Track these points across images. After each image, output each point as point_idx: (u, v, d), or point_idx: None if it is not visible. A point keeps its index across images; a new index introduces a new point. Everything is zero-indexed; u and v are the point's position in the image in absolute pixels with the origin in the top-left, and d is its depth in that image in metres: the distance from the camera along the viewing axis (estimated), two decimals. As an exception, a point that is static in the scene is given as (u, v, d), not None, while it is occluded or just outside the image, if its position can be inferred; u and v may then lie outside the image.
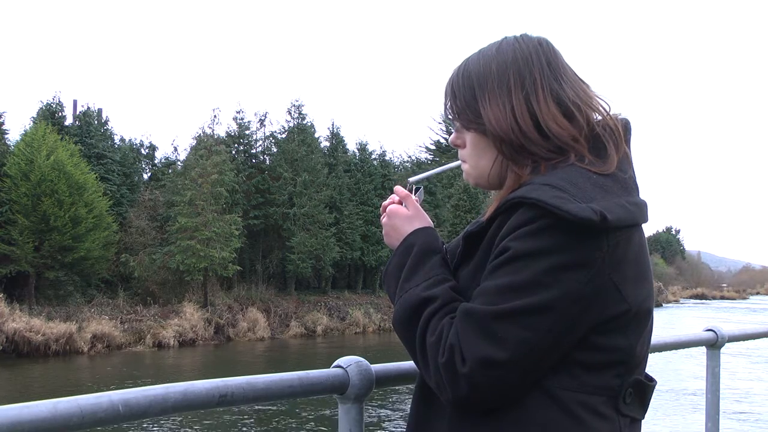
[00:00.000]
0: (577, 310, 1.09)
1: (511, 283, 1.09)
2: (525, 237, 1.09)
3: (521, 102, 1.22)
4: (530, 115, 1.21)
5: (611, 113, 1.26)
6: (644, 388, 1.21)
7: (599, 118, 1.24)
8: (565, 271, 1.08)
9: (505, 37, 1.29)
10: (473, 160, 1.30)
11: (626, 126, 1.27)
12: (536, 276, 1.08)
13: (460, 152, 1.33)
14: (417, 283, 1.23)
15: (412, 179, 1.49)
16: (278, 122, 50.02)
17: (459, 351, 1.10)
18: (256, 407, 14.64)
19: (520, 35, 1.29)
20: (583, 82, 1.28)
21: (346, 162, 40.69)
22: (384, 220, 1.37)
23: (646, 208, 1.20)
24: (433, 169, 1.53)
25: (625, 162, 1.22)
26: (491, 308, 1.09)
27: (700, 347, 2.90)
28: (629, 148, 1.26)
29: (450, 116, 1.32)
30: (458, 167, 1.41)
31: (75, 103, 35.98)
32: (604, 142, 1.21)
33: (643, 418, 1.24)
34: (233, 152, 36.31)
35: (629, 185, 1.19)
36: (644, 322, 1.18)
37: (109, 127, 36.52)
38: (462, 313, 1.12)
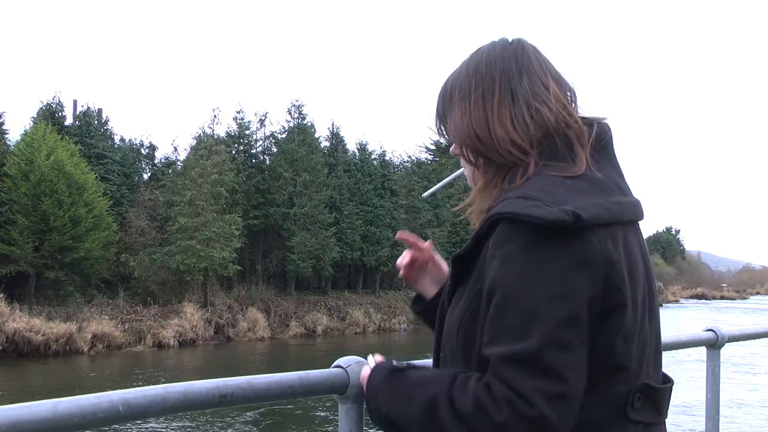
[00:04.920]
0: (588, 310, 1.07)
1: (528, 312, 1.04)
2: (515, 257, 1.07)
3: (479, 106, 1.23)
4: (485, 119, 1.22)
5: (588, 116, 1.25)
6: (654, 391, 1.18)
7: (560, 118, 1.21)
8: (568, 276, 1.05)
9: (480, 46, 1.30)
10: (466, 169, 1.33)
11: (602, 129, 1.24)
12: (548, 293, 1.04)
13: (461, 162, 1.34)
14: (408, 401, 1.16)
15: (424, 195, 1.54)
16: (278, 122, 50.01)
17: (521, 398, 1.02)
18: (256, 407, 14.63)
19: (497, 40, 1.29)
20: (555, 79, 1.25)
21: (346, 162, 40.65)
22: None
23: (633, 207, 1.19)
24: (441, 180, 1.53)
25: (605, 163, 1.20)
26: (530, 344, 1.03)
27: (700, 347, 2.90)
28: (611, 151, 1.24)
29: (439, 133, 1.34)
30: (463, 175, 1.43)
31: (75, 103, 35.98)
32: (566, 143, 1.19)
33: (660, 421, 1.22)
34: (233, 152, 36.28)
35: (607, 185, 1.17)
36: (640, 322, 1.16)
37: (109, 127, 36.54)
38: (502, 360, 1.05)
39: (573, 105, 1.25)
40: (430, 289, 1.50)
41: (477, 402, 1.05)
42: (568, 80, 1.28)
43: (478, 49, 1.29)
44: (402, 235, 1.47)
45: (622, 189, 1.20)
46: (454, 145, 1.32)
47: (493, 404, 1.03)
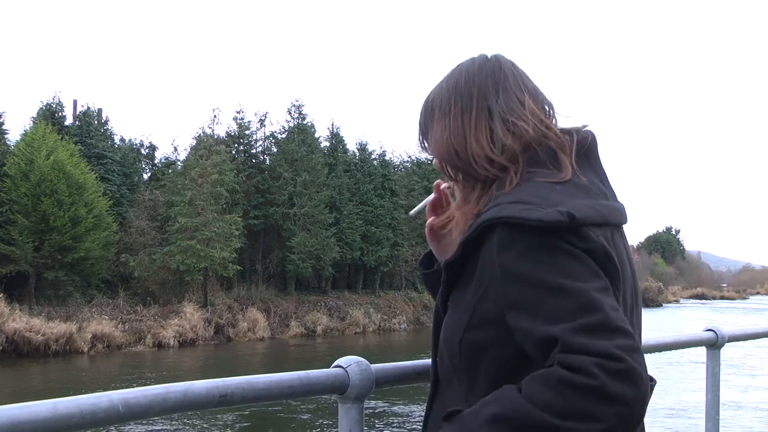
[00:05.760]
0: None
1: (570, 291, 1.06)
2: (526, 256, 1.09)
3: (458, 122, 1.26)
4: (463, 136, 1.25)
5: (567, 126, 1.28)
6: None
7: (537, 131, 1.24)
8: (582, 257, 1.09)
9: (460, 62, 1.33)
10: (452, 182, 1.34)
11: (582, 137, 1.27)
12: (574, 273, 1.07)
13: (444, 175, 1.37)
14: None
15: (411, 213, 1.52)
16: (278, 122, 50.04)
17: (607, 357, 1.01)
18: (256, 407, 14.63)
19: (476, 56, 1.33)
20: (531, 94, 1.28)
21: (346, 162, 40.67)
22: None
23: (618, 212, 1.23)
24: (427, 196, 1.54)
25: (588, 170, 1.24)
26: (594, 312, 1.04)
27: (700, 347, 2.90)
28: (594, 157, 1.28)
29: (422, 148, 1.37)
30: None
31: (75, 103, 36.02)
32: (555, 152, 1.23)
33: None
34: (233, 152, 36.30)
35: (592, 191, 1.21)
36: (628, 320, 1.20)
37: (109, 127, 36.58)
38: (575, 331, 1.03)
39: (551, 118, 1.29)
40: (449, 249, 1.40)
41: (560, 384, 1.01)
42: (546, 93, 1.32)
43: (458, 65, 1.33)
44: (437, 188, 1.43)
45: (606, 195, 1.24)
46: (435, 160, 1.35)
47: (581, 374, 1.00)
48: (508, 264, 1.10)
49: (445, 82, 1.32)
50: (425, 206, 1.49)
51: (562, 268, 1.08)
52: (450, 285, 1.24)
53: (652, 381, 1.27)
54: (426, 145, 1.35)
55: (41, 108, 32.76)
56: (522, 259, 1.09)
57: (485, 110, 1.25)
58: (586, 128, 1.29)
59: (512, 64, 1.32)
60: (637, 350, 1.04)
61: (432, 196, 1.48)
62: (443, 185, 1.44)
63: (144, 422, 12.73)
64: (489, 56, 1.32)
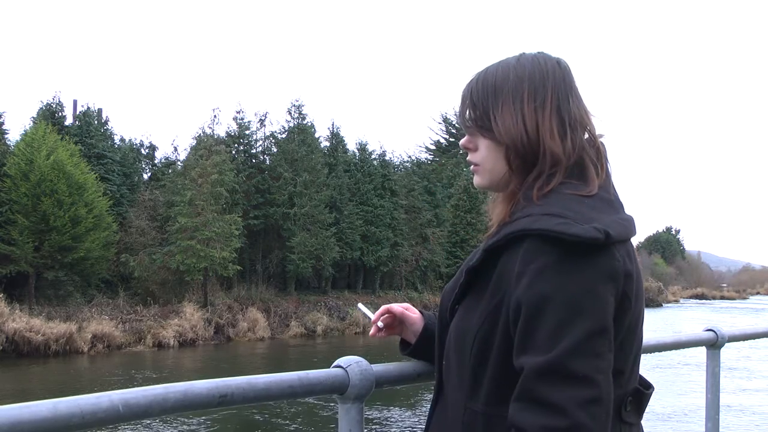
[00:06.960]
0: (612, 322, 1.12)
1: (560, 322, 1.08)
2: (547, 273, 1.10)
3: (532, 114, 1.26)
4: (537, 128, 1.25)
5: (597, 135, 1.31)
6: (641, 396, 1.25)
7: (587, 138, 1.28)
8: (598, 288, 1.10)
9: (524, 52, 1.33)
10: (489, 164, 1.31)
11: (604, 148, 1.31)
12: (579, 306, 1.08)
13: (471, 156, 1.34)
14: None
15: (360, 306, 1.66)
16: (278, 122, 50.04)
17: (558, 414, 1.04)
18: (256, 407, 14.63)
19: (539, 52, 1.33)
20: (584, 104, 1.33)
21: (346, 162, 40.64)
22: None
23: (634, 223, 1.25)
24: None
25: (608, 182, 1.27)
26: (555, 354, 1.07)
27: (700, 347, 2.90)
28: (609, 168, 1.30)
29: (466, 123, 1.33)
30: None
31: (75, 103, 36.00)
32: (586, 165, 1.25)
33: (639, 422, 1.29)
34: (233, 152, 36.26)
35: (615, 204, 1.24)
36: (635, 331, 1.22)
37: (109, 127, 36.53)
38: (536, 373, 1.07)
39: (595, 128, 1.32)
40: (410, 337, 1.56)
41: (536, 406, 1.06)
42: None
43: (522, 56, 1.32)
44: (374, 331, 1.56)
45: (623, 205, 1.27)
46: (466, 138, 1.34)
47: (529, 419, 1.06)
48: (525, 275, 1.11)
49: (513, 69, 1.29)
50: (369, 317, 1.60)
51: (570, 298, 1.08)
52: (465, 290, 1.26)
53: (649, 389, 1.29)
54: (472, 117, 1.31)
55: (41, 108, 32.73)
56: (539, 274, 1.10)
57: (556, 109, 1.26)
58: (601, 138, 1.32)
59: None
60: (595, 402, 1.05)
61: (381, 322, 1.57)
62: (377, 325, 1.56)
63: (144, 422, 12.72)
64: (556, 59, 1.32)
